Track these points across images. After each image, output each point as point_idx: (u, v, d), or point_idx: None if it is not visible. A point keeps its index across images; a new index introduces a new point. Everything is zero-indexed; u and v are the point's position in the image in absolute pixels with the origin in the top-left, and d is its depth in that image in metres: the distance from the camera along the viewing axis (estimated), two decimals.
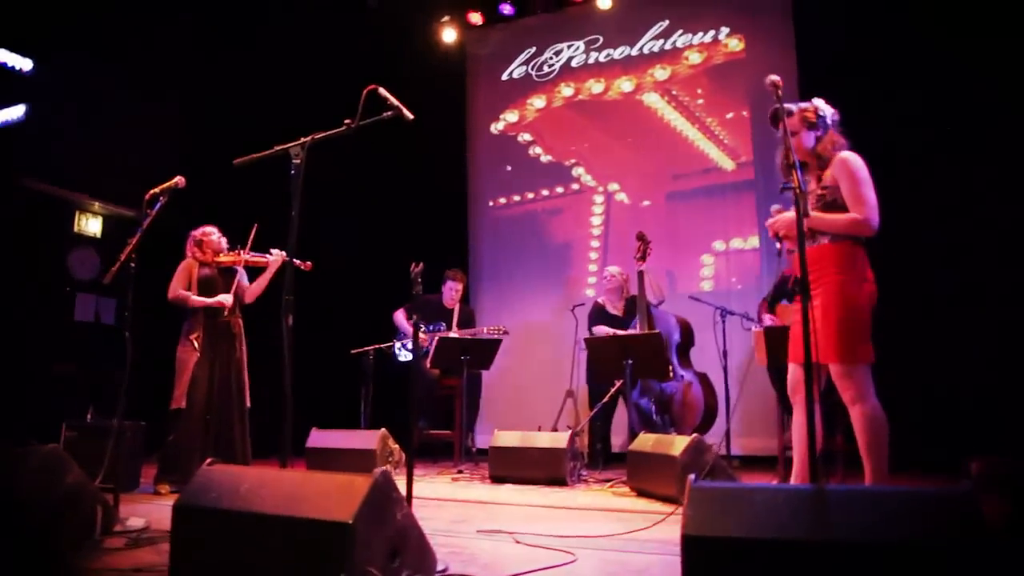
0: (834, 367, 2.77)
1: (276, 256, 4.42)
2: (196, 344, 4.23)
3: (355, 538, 1.66)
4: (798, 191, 2.15)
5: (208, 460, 2.07)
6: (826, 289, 2.77)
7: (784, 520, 1.56)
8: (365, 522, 1.70)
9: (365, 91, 2.71)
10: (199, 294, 4.31)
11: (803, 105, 2.96)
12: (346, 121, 2.74)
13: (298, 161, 2.67)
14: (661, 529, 2.87)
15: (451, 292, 6.07)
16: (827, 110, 2.95)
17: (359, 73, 6.68)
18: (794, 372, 2.94)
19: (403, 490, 2.10)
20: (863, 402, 2.69)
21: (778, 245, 2.87)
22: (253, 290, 4.49)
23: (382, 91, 2.75)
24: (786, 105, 2.89)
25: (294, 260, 2.58)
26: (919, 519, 1.51)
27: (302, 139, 2.67)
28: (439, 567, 2.12)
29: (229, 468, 2.01)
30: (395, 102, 2.76)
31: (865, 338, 2.71)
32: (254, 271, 4.48)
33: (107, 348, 6.18)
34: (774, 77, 2.45)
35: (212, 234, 4.49)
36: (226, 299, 4.31)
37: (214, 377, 4.26)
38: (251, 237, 4.41)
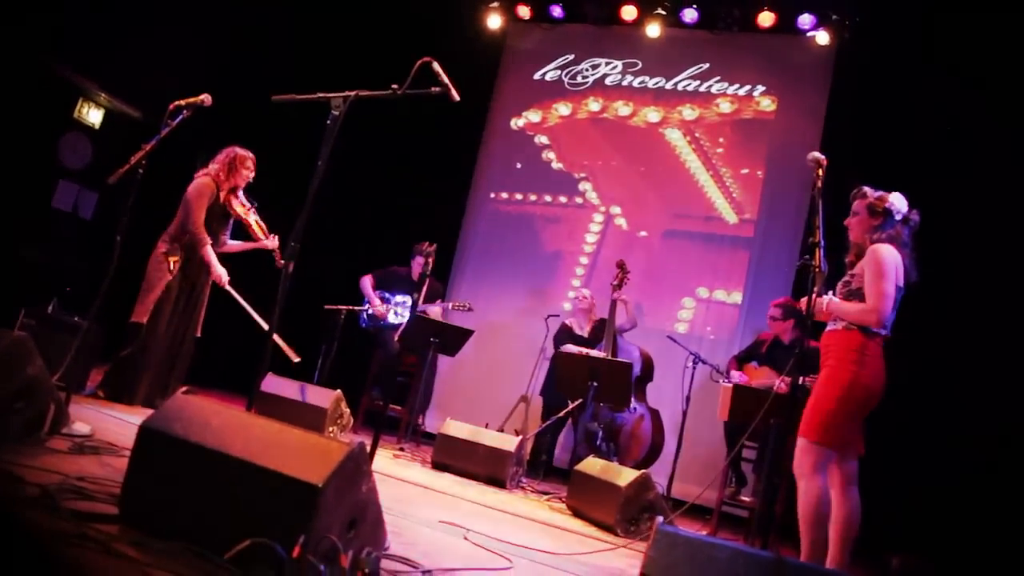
0: (799, 440, 2.84)
1: (269, 240, 4.38)
2: (172, 267, 4.18)
3: (321, 502, 1.65)
4: (817, 270, 2.20)
5: (183, 388, 2.05)
6: (824, 372, 2.83)
7: None
8: (334, 488, 1.69)
9: (419, 62, 2.69)
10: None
11: (879, 192, 2.94)
12: (393, 86, 2.73)
13: (337, 113, 2.66)
14: (603, 556, 2.92)
15: (420, 266, 6.05)
16: (900, 206, 2.89)
17: (397, 35, 6.66)
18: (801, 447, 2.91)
19: None
20: (808, 480, 2.76)
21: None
22: (228, 248, 4.47)
23: (436, 66, 2.74)
24: (865, 188, 2.93)
25: (278, 256, 2.54)
26: None
27: (347, 92, 2.65)
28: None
29: (203, 401, 1.98)
30: (445, 80, 2.75)
31: (838, 425, 2.75)
32: (245, 235, 4.44)
33: (80, 241, 6.02)
34: (817, 155, 2.50)
35: (251, 168, 4.36)
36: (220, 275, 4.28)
37: (181, 301, 4.26)
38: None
